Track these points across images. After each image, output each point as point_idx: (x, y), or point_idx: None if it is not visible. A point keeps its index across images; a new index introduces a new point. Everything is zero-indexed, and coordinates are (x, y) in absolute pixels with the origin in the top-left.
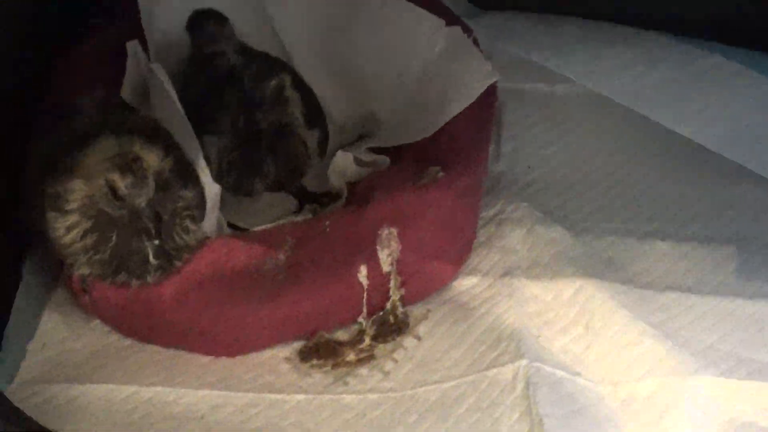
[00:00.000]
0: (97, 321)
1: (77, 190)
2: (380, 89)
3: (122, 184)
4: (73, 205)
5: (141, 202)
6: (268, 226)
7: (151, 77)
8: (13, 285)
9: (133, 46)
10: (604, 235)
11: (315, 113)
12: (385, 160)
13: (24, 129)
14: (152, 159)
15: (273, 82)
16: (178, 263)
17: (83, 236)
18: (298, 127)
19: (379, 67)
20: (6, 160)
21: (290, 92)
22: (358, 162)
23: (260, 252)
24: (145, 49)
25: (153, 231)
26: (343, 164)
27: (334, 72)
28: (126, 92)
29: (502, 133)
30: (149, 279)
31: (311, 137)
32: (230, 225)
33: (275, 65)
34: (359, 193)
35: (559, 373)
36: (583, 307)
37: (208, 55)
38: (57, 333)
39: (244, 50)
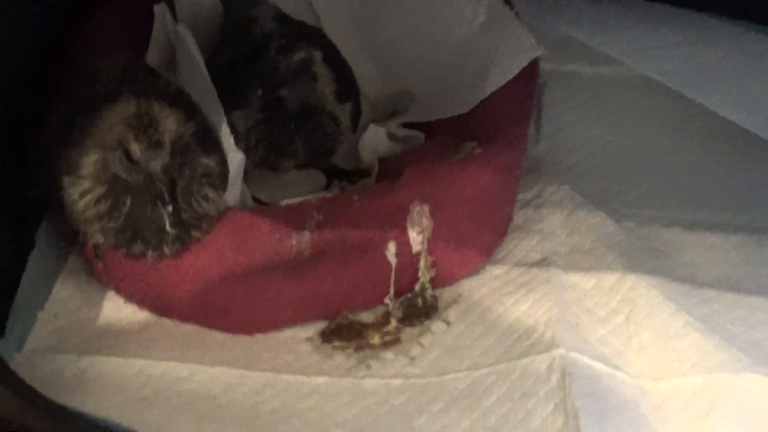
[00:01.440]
0: (112, 292)
1: (91, 154)
2: (416, 64)
3: (136, 147)
4: (86, 170)
5: (155, 166)
6: (295, 200)
7: (178, 41)
8: (25, 251)
9: (160, 8)
10: (649, 223)
11: (348, 86)
12: (419, 135)
13: (43, 92)
14: (171, 123)
15: (298, 57)
16: (196, 234)
17: (97, 202)
18: (328, 104)
19: (415, 40)
20: (26, 122)
21: (319, 68)
22: (391, 137)
23: (285, 226)
24: (173, 12)
25: (167, 197)
26: (376, 139)
27: (368, 45)
28: (151, 57)
29: (543, 115)
30: (166, 250)
31: (343, 112)
32: (255, 199)
33: (306, 37)
34: (391, 170)
35: (598, 365)
36: (625, 297)
37: (240, 22)
38: (70, 302)
39: (280, 18)
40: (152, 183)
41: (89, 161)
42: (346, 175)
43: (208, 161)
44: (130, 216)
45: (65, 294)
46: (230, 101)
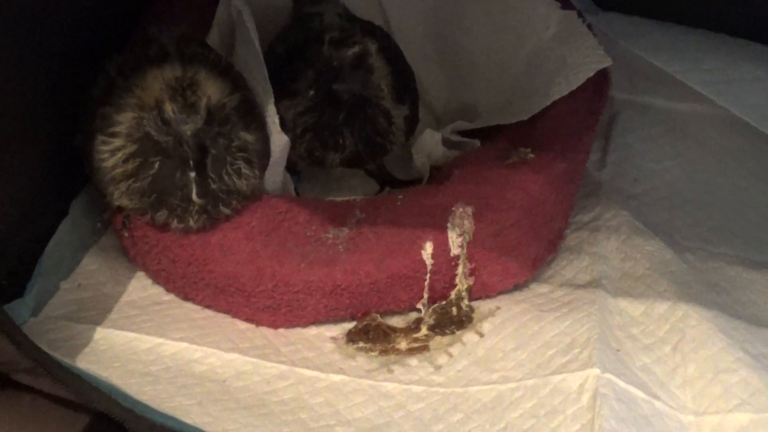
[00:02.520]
0: (141, 272)
1: (128, 112)
2: (484, 74)
3: (169, 107)
4: (120, 128)
5: (187, 129)
6: (339, 199)
7: (238, 21)
8: (55, 217)
9: None
10: (712, 259)
11: (406, 87)
12: (474, 142)
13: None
14: (212, 90)
15: (354, 49)
16: (225, 210)
17: (125, 161)
18: (383, 99)
19: (486, 50)
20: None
21: (375, 60)
22: (447, 143)
23: (324, 219)
24: None
25: (192, 162)
26: (430, 144)
27: (437, 54)
28: (212, 38)
29: (611, 142)
30: (191, 222)
31: (397, 111)
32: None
33: (364, 31)
34: (442, 177)
35: (635, 391)
36: (675, 327)
37: (305, 16)
38: (96, 276)
39: (347, 17)
40: (181, 147)
41: (124, 119)
42: (398, 184)
43: (247, 136)
44: (157, 179)
45: (93, 268)
46: (281, 90)
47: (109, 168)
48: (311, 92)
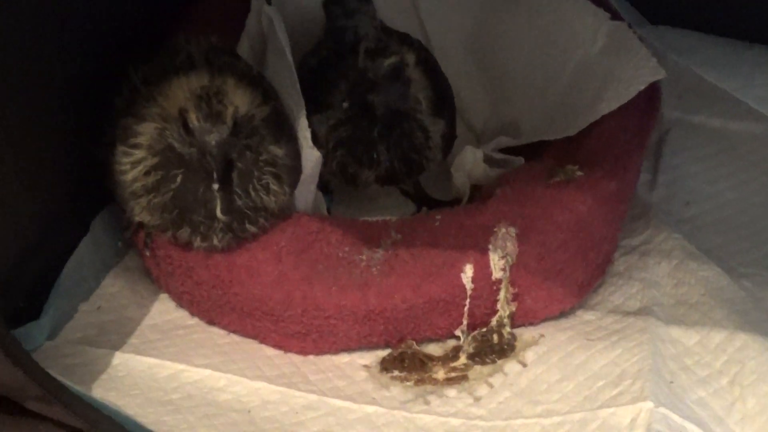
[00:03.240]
0: (164, 295)
1: (150, 122)
2: (528, 89)
3: (193, 115)
4: (142, 139)
5: (211, 139)
6: (375, 219)
7: (269, 30)
8: (76, 235)
9: (258, 1)
10: None
11: (443, 101)
12: (518, 160)
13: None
14: (240, 100)
15: (390, 60)
16: (251, 228)
17: (146, 174)
18: (420, 113)
19: (530, 64)
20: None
21: (413, 72)
22: (488, 160)
23: (357, 240)
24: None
25: (216, 175)
26: (471, 161)
27: (478, 70)
28: (242, 48)
29: (661, 162)
30: (215, 241)
31: (435, 126)
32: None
33: (402, 42)
34: (483, 194)
35: (691, 427)
36: (732, 358)
37: (338, 29)
38: (117, 299)
39: (383, 29)
40: (205, 158)
41: (146, 130)
42: (436, 205)
43: (277, 150)
44: (179, 193)
45: (114, 290)
46: (314, 104)
47: (130, 181)
48: (345, 104)
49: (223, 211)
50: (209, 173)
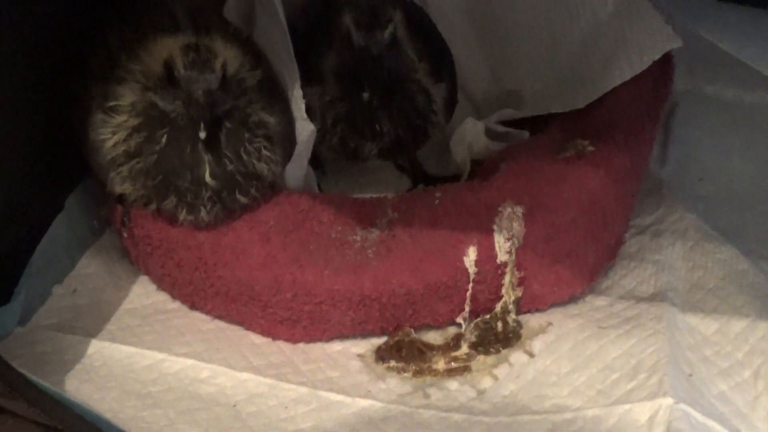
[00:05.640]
0: (144, 277)
1: (131, 83)
2: (533, 57)
3: (180, 61)
4: (123, 101)
5: (198, 88)
6: (369, 196)
7: None
8: (49, 212)
9: None
10: None
11: (441, 63)
12: (522, 133)
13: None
14: (231, 57)
15: (388, 31)
16: (242, 199)
17: (128, 137)
18: (417, 73)
19: (534, 28)
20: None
21: (400, 32)
22: (490, 133)
23: (351, 219)
24: None
25: (203, 125)
26: (472, 134)
27: (477, 35)
28: (229, 10)
29: (672, 136)
30: (203, 213)
31: (436, 90)
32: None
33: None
34: (485, 173)
35: (713, 425)
36: (755, 348)
37: None
38: (93, 281)
39: None
40: (192, 109)
41: (127, 91)
42: (433, 181)
43: (269, 118)
44: (164, 156)
45: (91, 271)
46: (305, 73)
47: (110, 148)
48: (341, 76)
49: (212, 175)
50: (196, 124)
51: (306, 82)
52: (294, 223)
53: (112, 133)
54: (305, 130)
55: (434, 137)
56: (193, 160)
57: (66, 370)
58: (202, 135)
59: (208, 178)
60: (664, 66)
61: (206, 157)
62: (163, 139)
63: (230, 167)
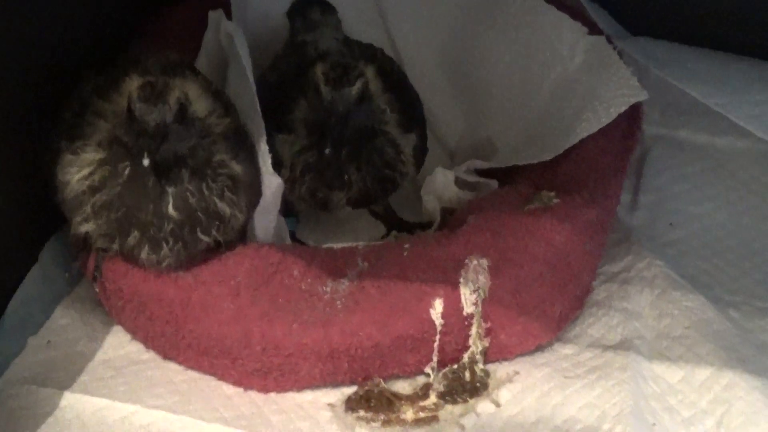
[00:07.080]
0: (118, 327)
1: (101, 121)
2: (504, 107)
3: (135, 94)
4: (92, 139)
5: (151, 120)
6: (340, 245)
7: (229, 48)
8: (23, 266)
9: (216, 15)
10: (760, 317)
11: (412, 114)
12: (491, 183)
13: None
14: (198, 102)
15: (356, 87)
16: (203, 237)
17: (93, 171)
18: (387, 125)
19: (505, 80)
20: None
21: (373, 84)
22: (460, 183)
23: (321, 271)
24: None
25: (146, 153)
26: (442, 184)
27: (451, 85)
28: (200, 63)
29: (642, 182)
30: (165, 251)
31: (405, 141)
32: (296, 241)
33: (363, 56)
34: (456, 222)
35: None
36: (719, 397)
37: (299, 43)
38: (68, 332)
39: (344, 41)
40: (142, 139)
41: (97, 131)
42: (408, 227)
43: (236, 166)
44: (127, 188)
45: (65, 322)
46: (274, 122)
47: (75, 182)
48: (327, 151)
49: (175, 207)
50: (141, 153)
51: (278, 130)
52: (264, 277)
53: (78, 169)
54: (272, 183)
55: (403, 187)
56: (155, 193)
57: (38, 425)
58: (146, 162)
59: (171, 210)
60: (631, 118)
61: (170, 190)
62: (126, 172)
63: (192, 201)
